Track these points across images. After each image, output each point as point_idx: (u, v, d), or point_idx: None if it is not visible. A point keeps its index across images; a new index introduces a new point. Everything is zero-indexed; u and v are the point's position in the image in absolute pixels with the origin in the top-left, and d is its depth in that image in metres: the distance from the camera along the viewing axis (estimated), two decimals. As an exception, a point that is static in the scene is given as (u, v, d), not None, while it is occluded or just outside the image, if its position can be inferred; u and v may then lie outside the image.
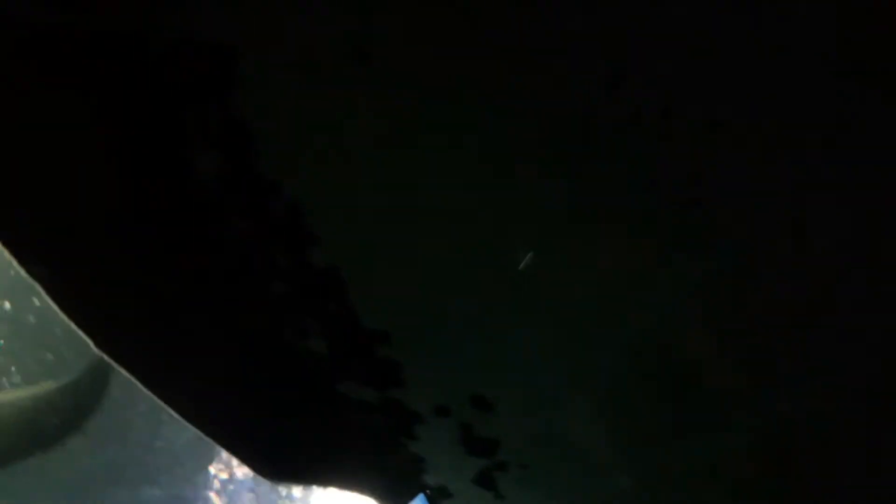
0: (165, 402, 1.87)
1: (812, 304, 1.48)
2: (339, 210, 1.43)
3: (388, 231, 1.48)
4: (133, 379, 1.74)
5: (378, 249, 1.51)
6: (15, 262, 1.56)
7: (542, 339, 1.73)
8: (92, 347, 1.76)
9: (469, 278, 1.56)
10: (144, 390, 1.84)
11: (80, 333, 1.70)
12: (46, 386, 7.61)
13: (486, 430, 2.03)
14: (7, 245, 1.44)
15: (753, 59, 1.17)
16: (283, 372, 2.02)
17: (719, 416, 1.81)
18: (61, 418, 7.55)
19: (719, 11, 1.13)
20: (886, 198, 1.29)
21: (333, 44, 1.16)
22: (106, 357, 1.74)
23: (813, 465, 1.80)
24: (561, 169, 1.39)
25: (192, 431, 2.04)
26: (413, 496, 2.31)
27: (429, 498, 2.23)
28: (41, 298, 1.55)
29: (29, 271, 1.54)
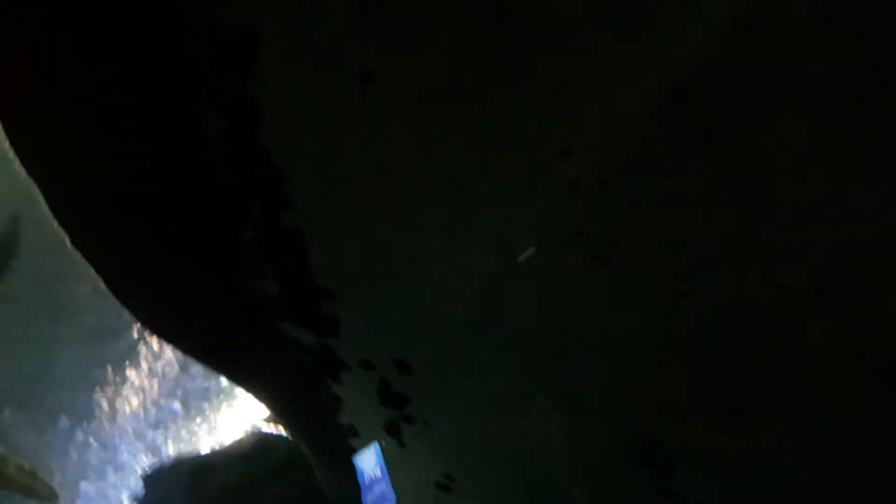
0: (127, 306, 2.08)
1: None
2: (316, 186, 1.65)
3: (355, 211, 1.70)
4: (103, 282, 1.94)
5: (342, 225, 1.73)
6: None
7: (467, 327, 1.98)
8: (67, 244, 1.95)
9: (416, 267, 1.80)
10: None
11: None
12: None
13: (400, 388, 2.29)
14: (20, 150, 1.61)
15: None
16: (233, 298, 2.24)
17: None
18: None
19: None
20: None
21: (342, 62, 1.37)
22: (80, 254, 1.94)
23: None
24: (517, 195, 1.63)
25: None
26: (347, 455, 2.57)
27: (383, 449, 2.49)
28: None
29: (30, 172, 1.71)
